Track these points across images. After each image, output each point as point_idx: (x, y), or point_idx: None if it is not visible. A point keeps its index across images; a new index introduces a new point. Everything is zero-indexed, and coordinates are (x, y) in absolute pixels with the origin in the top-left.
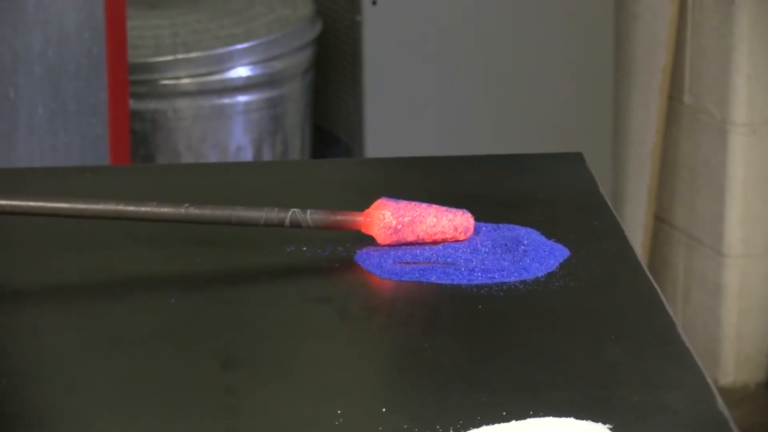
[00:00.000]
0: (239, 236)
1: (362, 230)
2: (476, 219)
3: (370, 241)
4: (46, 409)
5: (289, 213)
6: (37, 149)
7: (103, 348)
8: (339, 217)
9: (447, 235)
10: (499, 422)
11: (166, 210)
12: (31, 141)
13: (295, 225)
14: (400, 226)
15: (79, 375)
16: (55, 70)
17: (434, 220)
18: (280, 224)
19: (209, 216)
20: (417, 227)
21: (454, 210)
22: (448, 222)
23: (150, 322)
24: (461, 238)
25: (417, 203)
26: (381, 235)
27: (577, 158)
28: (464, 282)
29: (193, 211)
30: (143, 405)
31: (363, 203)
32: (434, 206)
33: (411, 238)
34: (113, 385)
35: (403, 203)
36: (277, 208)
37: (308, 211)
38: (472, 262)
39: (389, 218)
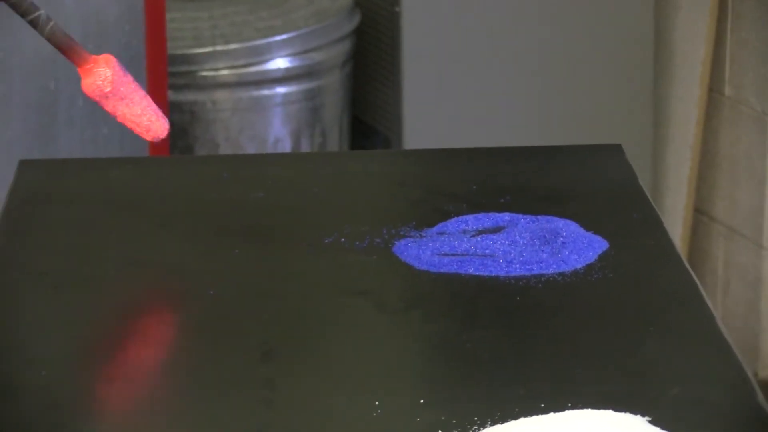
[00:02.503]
0: (277, 228)
1: (79, 71)
2: (515, 210)
3: (408, 233)
4: (84, 400)
5: (38, 13)
6: (77, 141)
7: (142, 339)
8: (70, 45)
9: (137, 127)
10: (537, 414)
11: None
12: (71, 133)
13: (34, 25)
14: (108, 93)
15: (117, 366)
16: None
17: (138, 110)
18: (23, 15)
19: None
20: (121, 105)
21: (158, 113)
22: (146, 119)
23: (188, 315)
24: (146, 137)
25: (136, 85)
26: (89, 88)
27: (617, 150)
28: (502, 274)
29: None
30: (181, 397)
31: (402, 195)
32: (147, 98)
33: (109, 107)
34: (152, 376)
35: (125, 76)
36: (31, 7)
37: (54, 22)
38: (511, 253)
39: (105, 80)
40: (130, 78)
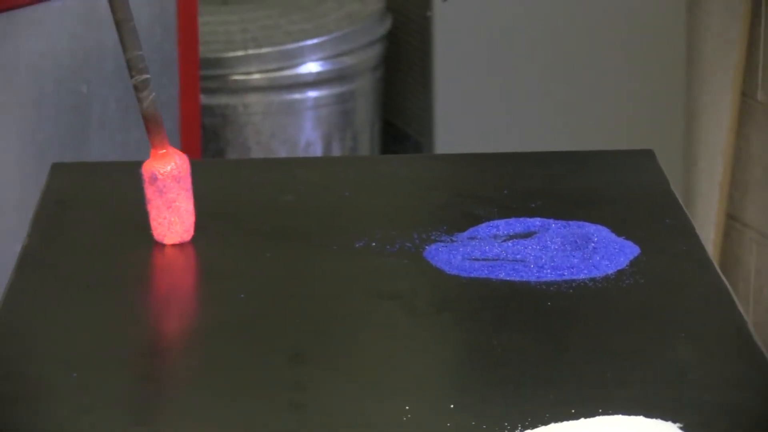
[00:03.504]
0: (307, 232)
1: (151, 153)
2: (546, 215)
3: (439, 237)
4: (115, 403)
5: (144, 77)
6: (109, 144)
7: (173, 342)
8: (159, 123)
9: (180, 222)
10: (567, 420)
11: None
12: (102, 136)
13: (142, 87)
14: (181, 177)
15: (147, 368)
16: None
17: (191, 207)
18: (137, 73)
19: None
20: (184, 195)
21: (183, 231)
22: (192, 221)
23: (219, 317)
24: (171, 238)
25: (188, 193)
26: (156, 168)
27: (649, 155)
28: (533, 279)
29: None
30: (212, 399)
31: (432, 199)
32: (190, 210)
33: (169, 194)
34: (182, 379)
35: (186, 179)
36: (143, 69)
37: (154, 94)
38: (542, 258)
39: (183, 165)
40: (187, 179)
